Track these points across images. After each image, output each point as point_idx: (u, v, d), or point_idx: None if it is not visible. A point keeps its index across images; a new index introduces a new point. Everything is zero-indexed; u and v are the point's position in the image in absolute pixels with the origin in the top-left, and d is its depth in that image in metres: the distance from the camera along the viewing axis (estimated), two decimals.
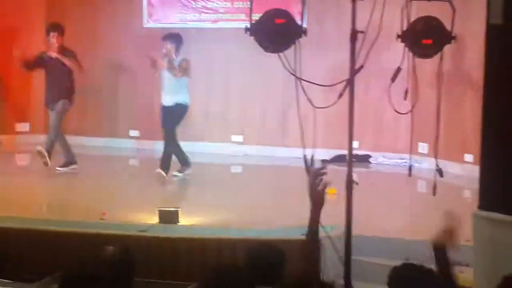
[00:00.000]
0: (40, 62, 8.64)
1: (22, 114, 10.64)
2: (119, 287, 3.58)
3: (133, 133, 10.73)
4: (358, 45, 4.89)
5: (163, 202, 6.97)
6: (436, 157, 5.42)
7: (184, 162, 8.32)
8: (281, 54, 4.89)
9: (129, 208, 6.90)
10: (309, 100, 4.99)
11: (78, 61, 8.60)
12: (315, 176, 3.43)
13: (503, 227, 4.29)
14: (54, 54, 8.47)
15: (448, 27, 5.14)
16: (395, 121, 9.48)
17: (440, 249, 3.49)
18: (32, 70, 8.85)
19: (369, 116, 9.67)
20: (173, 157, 8.37)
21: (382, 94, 9.19)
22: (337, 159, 9.46)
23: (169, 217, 6.22)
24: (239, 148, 10.44)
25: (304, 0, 5.31)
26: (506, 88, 4.30)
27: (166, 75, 8.28)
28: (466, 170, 8.66)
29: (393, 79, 5.11)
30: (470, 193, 7.59)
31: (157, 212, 6.24)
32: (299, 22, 5.09)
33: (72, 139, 9.13)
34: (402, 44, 5.11)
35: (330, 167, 9.22)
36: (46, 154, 8.35)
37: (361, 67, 4.90)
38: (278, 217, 6.69)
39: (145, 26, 10.70)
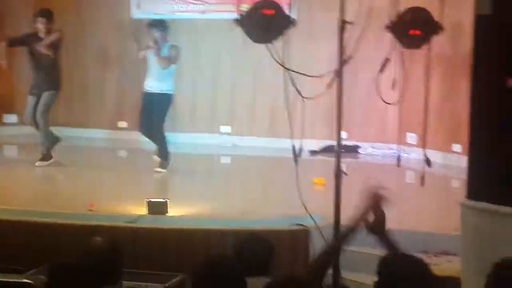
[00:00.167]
0: (25, 40, 8.45)
1: (8, 105, 10.57)
2: (108, 278, 3.57)
3: (121, 124, 10.70)
4: (346, 35, 4.89)
5: (151, 193, 6.95)
6: (424, 147, 5.44)
7: (166, 157, 8.25)
8: (269, 45, 4.89)
9: (118, 199, 6.88)
10: (298, 91, 4.99)
11: (61, 37, 8.43)
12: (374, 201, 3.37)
13: (490, 217, 4.30)
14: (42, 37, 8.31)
15: (437, 18, 5.16)
16: (383, 112, 9.50)
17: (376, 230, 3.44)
18: (14, 46, 8.61)
19: (357, 106, 9.68)
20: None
21: (371, 85, 9.22)
22: (326, 150, 9.49)
23: (157, 208, 6.21)
24: (228, 139, 10.44)
25: None
26: (494, 78, 4.31)
27: (153, 60, 8.21)
28: (454, 160, 8.69)
29: (382, 70, 5.12)
30: (458, 183, 7.61)
31: (145, 203, 6.23)
32: (287, 13, 5.09)
33: (59, 131, 9.09)
34: (390, 35, 5.13)
35: (319, 157, 9.37)
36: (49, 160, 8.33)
37: (350, 57, 4.90)
38: (267, 208, 6.69)
39: (133, 17, 10.65)
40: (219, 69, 10.55)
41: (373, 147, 10.01)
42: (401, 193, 7.90)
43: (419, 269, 3.02)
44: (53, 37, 8.32)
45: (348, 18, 4.89)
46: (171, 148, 8.41)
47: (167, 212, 6.24)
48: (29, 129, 8.71)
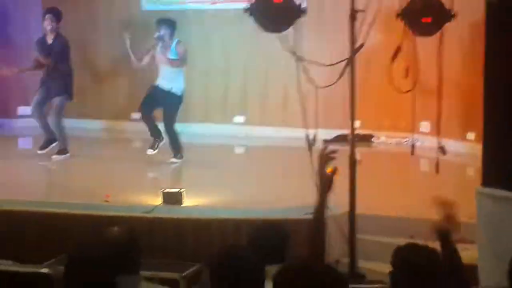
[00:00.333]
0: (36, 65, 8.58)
1: (23, 97, 10.62)
2: (125, 268, 3.59)
3: (135, 116, 10.73)
4: (357, 24, 4.89)
5: (166, 184, 6.99)
6: (438, 135, 5.43)
7: (179, 151, 8.29)
8: (281, 34, 4.90)
9: (133, 190, 6.92)
10: (311, 80, 5.00)
11: (68, 53, 8.50)
12: (324, 159, 3.41)
13: (506, 204, 4.30)
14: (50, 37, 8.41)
15: (448, 5, 5.14)
16: (396, 100, 9.46)
17: (443, 235, 3.48)
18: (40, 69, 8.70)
19: (370, 95, 9.65)
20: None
21: (383, 73, 9.21)
22: (339, 139, 9.47)
23: (173, 198, 6.24)
24: (241, 129, 10.45)
25: None
26: (506, 66, 4.30)
27: (162, 61, 8.25)
28: (468, 148, 8.67)
29: (393, 58, 5.12)
30: (472, 171, 7.60)
31: (161, 194, 6.26)
32: (297, 2, 5.08)
33: (74, 123, 9.14)
34: (402, 23, 5.11)
35: (332, 147, 9.35)
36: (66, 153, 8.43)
37: (362, 45, 4.91)
38: (281, 197, 6.71)
39: (143, 9, 10.66)
40: (230, 59, 10.55)
41: (386, 136, 10.00)
42: (416, 181, 7.94)
43: (433, 259, 3.01)
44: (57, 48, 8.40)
45: (359, 6, 4.89)
46: (185, 139, 8.44)
47: (182, 202, 6.27)
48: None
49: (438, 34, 5.14)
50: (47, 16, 8.44)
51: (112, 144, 9.92)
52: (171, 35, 8.23)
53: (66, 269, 3.31)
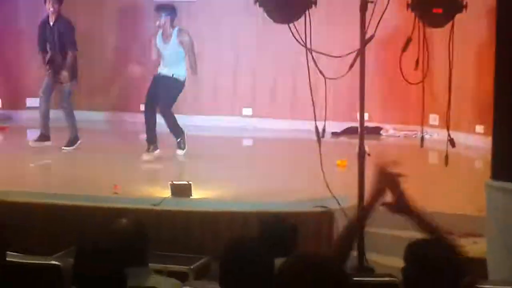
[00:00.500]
0: (42, 35, 8.50)
1: (31, 89, 10.63)
2: (134, 260, 3.59)
3: (142, 107, 10.72)
4: (368, 15, 4.86)
5: (175, 176, 6.98)
6: (448, 127, 5.39)
7: (180, 134, 8.18)
8: (291, 25, 4.87)
9: (141, 182, 6.92)
10: (321, 72, 4.98)
11: (73, 35, 8.42)
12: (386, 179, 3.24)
13: None
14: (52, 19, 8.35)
15: None
16: (405, 93, 9.43)
17: (402, 210, 3.32)
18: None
19: (379, 87, 9.62)
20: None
21: (392, 65, 9.16)
22: (347, 131, 9.45)
23: (181, 191, 6.23)
24: (249, 121, 10.43)
25: None
26: None
27: (161, 47, 8.16)
28: (477, 141, 8.63)
29: (404, 49, 5.09)
30: (482, 164, 7.57)
31: (169, 186, 6.25)
32: None
33: (83, 114, 9.13)
34: (412, 14, 5.07)
35: (341, 139, 9.35)
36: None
37: (372, 37, 4.88)
38: (290, 190, 6.69)
39: None
40: (239, 50, 10.52)
41: (395, 129, 9.97)
42: (425, 174, 7.91)
43: (447, 254, 2.95)
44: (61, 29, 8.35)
45: None
46: (193, 131, 8.41)
47: (190, 195, 6.26)
48: (53, 113, 8.72)
49: (449, 25, 5.09)
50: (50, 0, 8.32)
51: (121, 135, 9.90)
52: (171, 22, 8.10)
53: (76, 260, 3.31)
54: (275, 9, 4.92)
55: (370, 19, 4.84)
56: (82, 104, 9.92)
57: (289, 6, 4.89)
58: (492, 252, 4.53)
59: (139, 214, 5.61)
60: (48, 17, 8.44)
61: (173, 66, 8.09)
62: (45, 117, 8.55)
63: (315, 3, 4.88)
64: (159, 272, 4.08)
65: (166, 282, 3.78)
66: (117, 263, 3.32)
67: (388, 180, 3.16)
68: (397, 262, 3.22)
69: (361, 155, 5.00)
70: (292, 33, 4.86)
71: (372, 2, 4.79)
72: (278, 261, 3.26)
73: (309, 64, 4.94)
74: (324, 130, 5.18)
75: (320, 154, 5.16)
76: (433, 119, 9.28)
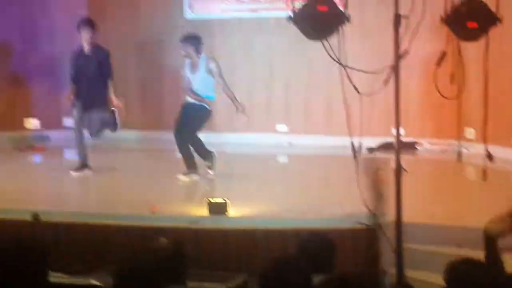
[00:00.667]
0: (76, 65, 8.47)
1: (68, 109, 10.77)
2: (173, 278, 3.62)
3: (174, 135, 10.78)
4: (401, 30, 4.85)
5: (211, 194, 7.01)
6: (485, 142, 5.34)
7: (209, 157, 8.23)
8: (324, 41, 4.88)
9: (178, 201, 6.95)
10: (355, 88, 4.97)
11: (110, 63, 8.39)
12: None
13: None
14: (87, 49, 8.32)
15: (493, 9, 5.07)
16: (440, 107, 9.38)
17: (492, 237, 3.39)
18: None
19: (413, 101, 9.58)
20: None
21: (427, 79, 9.13)
22: (383, 147, 9.42)
23: (218, 209, 6.25)
24: (284, 138, 10.44)
25: None
26: None
27: (191, 80, 8.20)
28: None
29: (438, 64, 5.06)
30: None
31: (206, 204, 6.28)
32: (341, 9, 5.06)
33: (118, 133, 9.19)
34: (446, 28, 5.05)
35: (377, 154, 9.30)
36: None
37: (406, 52, 4.86)
38: (326, 207, 6.67)
39: (186, 17, 10.75)
40: (272, 67, 10.57)
41: (430, 143, 9.91)
42: (462, 189, 7.84)
43: (488, 276, 2.90)
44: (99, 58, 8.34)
45: (402, 12, 4.86)
46: (228, 149, 8.44)
47: (227, 213, 6.28)
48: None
49: (484, 38, 5.06)
50: (84, 28, 8.32)
51: (156, 154, 9.97)
52: (197, 51, 8.14)
53: (115, 279, 3.35)
54: (309, 26, 4.93)
55: (404, 34, 4.82)
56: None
57: (322, 23, 4.90)
58: None
59: (176, 232, 5.64)
60: (82, 46, 8.37)
61: (201, 93, 8.14)
62: (83, 146, 8.44)
63: (348, 19, 4.89)
64: None
65: None
66: (156, 281, 3.35)
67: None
68: (437, 279, 3.20)
69: (398, 171, 4.97)
70: (326, 49, 4.86)
71: (405, 17, 4.77)
72: (317, 278, 3.26)
73: (343, 80, 4.93)
74: (360, 146, 5.17)
75: (357, 170, 5.14)
76: (469, 132, 9.21)
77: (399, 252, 4.94)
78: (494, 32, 5.14)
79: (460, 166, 7.79)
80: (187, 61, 8.20)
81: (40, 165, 9.65)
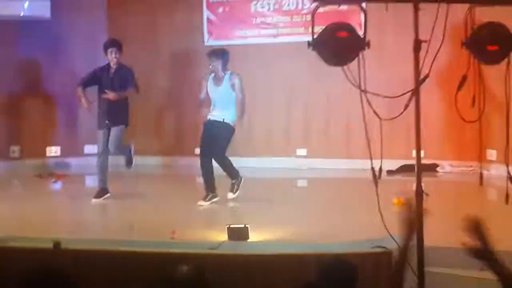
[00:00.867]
0: (94, 78, 8.55)
1: (90, 136, 10.85)
2: None
3: (198, 150, 10.82)
4: (422, 54, 4.85)
5: (231, 219, 7.00)
6: (507, 164, 5.30)
7: (237, 175, 8.25)
8: (344, 67, 4.88)
9: (198, 226, 6.95)
10: (376, 113, 4.96)
11: (135, 80, 8.50)
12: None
13: None
14: (112, 68, 8.42)
15: None
16: (461, 128, 9.35)
17: (484, 255, 3.35)
18: (87, 87, 8.65)
19: (433, 123, 9.57)
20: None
21: (447, 102, 9.11)
22: (403, 169, 9.39)
23: (238, 234, 6.24)
24: (304, 162, 10.44)
25: (366, 12, 5.28)
26: None
27: (213, 94, 8.24)
28: None
29: (459, 88, 5.05)
30: None
31: (226, 229, 6.27)
32: (360, 34, 5.06)
33: (139, 159, 9.24)
34: (467, 51, 5.04)
35: (397, 177, 9.28)
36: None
37: (426, 76, 4.85)
38: (347, 230, 6.65)
39: (205, 44, 10.81)
40: (292, 92, 10.60)
41: (451, 165, 9.86)
42: (485, 212, 7.76)
43: None
44: (125, 94, 8.44)
45: (422, 36, 4.86)
46: (248, 173, 8.44)
47: (248, 238, 6.26)
48: (112, 159, 8.73)
49: (505, 61, 5.04)
50: (111, 49, 8.45)
51: (175, 180, 10.00)
52: (224, 66, 8.19)
53: None
54: (329, 52, 4.93)
55: (425, 59, 4.82)
56: (137, 150, 10.06)
57: (342, 49, 4.90)
58: None
59: (197, 258, 5.62)
60: (108, 65, 8.49)
61: (223, 110, 8.14)
62: (104, 171, 8.52)
63: (369, 45, 4.89)
64: None
65: None
66: None
67: (475, 226, 3.22)
68: None
69: (419, 194, 4.94)
70: (346, 76, 4.86)
71: (425, 41, 4.77)
72: None
73: (363, 105, 4.93)
74: (380, 170, 5.15)
75: (377, 194, 5.12)
76: (490, 154, 9.16)
77: (421, 276, 4.90)
78: None
79: (482, 189, 7.72)
80: (211, 75, 8.22)
81: (61, 192, 9.69)
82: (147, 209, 8.07)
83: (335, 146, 10.40)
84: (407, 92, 4.90)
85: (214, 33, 10.85)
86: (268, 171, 9.98)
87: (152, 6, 11.08)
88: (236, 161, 8.48)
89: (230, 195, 8.19)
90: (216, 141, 8.11)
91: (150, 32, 11.03)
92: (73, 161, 11.00)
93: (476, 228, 3.22)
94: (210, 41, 10.81)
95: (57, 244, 6.03)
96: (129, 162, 8.62)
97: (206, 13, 10.87)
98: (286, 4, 10.58)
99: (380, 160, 5.18)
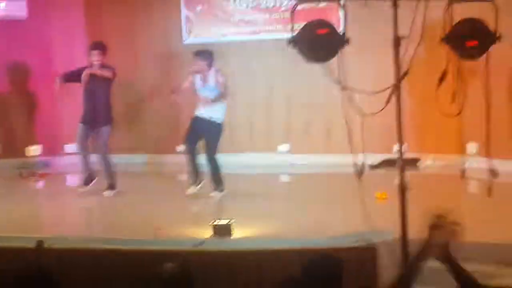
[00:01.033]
0: (78, 75, 8.56)
1: (69, 134, 10.81)
2: None
3: (180, 148, 10.82)
4: (401, 50, 4.89)
5: (214, 216, 7.01)
6: (489, 157, 5.36)
7: (220, 183, 8.33)
8: (324, 64, 4.91)
9: (182, 224, 6.95)
10: (358, 109, 5.00)
11: (114, 76, 8.55)
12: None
13: None
14: (95, 70, 8.43)
15: (492, 27, 5.10)
16: (441, 123, 9.41)
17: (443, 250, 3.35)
18: (68, 82, 8.68)
19: (414, 118, 9.62)
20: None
21: (427, 96, 9.16)
22: (384, 164, 9.43)
23: (222, 231, 6.26)
24: (286, 158, 10.46)
25: (345, 8, 5.32)
26: None
27: (201, 92, 8.34)
28: None
29: (440, 83, 5.10)
30: None
31: (210, 226, 6.28)
32: (340, 31, 5.09)
33: (117, 157, 9.23)
34: (446, 47, 5.08)
35: (378, 171, 9.31)
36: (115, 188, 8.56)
37: (406, 73, 4.90)
38: (330, 225, 6.68)
39: (184, 42, 10.80)
40: (273, 88, 10.61)
41: (432, 159, 9.92)
42: (467, 205, 7.83)
43: None
44: (106, 73, 8.47)
45: (401, 31, 4.90)
46: (230, 170, 8.46)
47: (232, 234, 6.28)
48: (92, 158, 8.79)
49: (484, 56, 5.09)
50: (95, 51, 8.51)
51: (158, 177, 9.99)
52: (209, 66, 8.31)
53: None
54: (309, 49, 4.95)
55: (404, 54, 4.86)
56: (117, 147, 10.05)
57: (322, 45, 4.93)
58: None
59: (181, 255, 5.61)
60: (91, 67, 8.53)
61: (211, 108, 8.24)
62: (87, 163, 8.66)
63: (348, 42, 4.92)
64: None
65: None
66: None
67: (439, 226, 3.21)
68: None
69: (402, 188, 4.99)
70: (327, 72, 4.89)
71: (405, 38, 4.81)
72: None
73: (344, 102, 4.96)
74: (363, 165, 5.19)
75: (360, 188, 5.16)
76: (471, 147, 9.23)
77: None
78: (495, 50, 5.18)
79: (464, 182, 7.79)
80: (198, 75, 8.32)
81: (42, 191, 9.65)
82: (129, 206, 8.06)
83: (317, 142, 10.43)
84: (388, 88, 4.94)
85: (192, 31, 10.83)
86: (250, 167, 10.00)
87: (130, 5, 11.02)
88: (218, 158, 8.48)
89: (215, 194, 8.22)
90: (208, 143, 8.27)
91: (128, 31, 10.98)
92: (53, 160, 10.94)
93: (438, 227, 3.20)
94: (189, 39, 10.78)
95: (40, 243, 6.01)
96: (111, 186, 8.62)
97: (184, 11, 10.84)
98: (265, 2, 10.58)
99: (362, 155, 5.22)
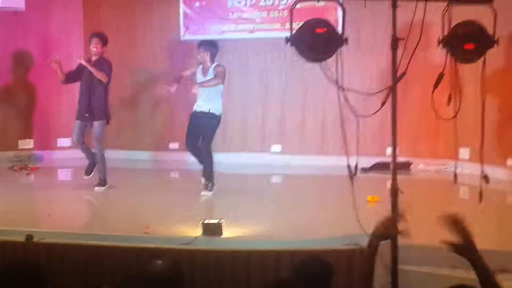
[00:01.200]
0: (75, 73, 8.53)
1: (63, 130, 10.76)
2: None
3: (173, 145, 10.79)
4: (399, 52, 4.85)
5: (205, 214, 6.98)
6: (481, 163, 5.34)
7: (211, 178, 8.29)
8: (322, 63, 4.87)
9: (173, 221, 6.92)
10: (353, 110, 4.96)
11: (110, 71, 8.45)
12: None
13: None
14: (90, 66, 8.36)
15: (490, 31, 5.08)
16: (435, 127, 9.41)
17: (465, 251, 3.35)
18: (69, 83, 8.66)
19: (408, 122, 9.61)
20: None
21: (421, 100, 9.15)
22: (376, 167, 9.41)
23: (212, 230, 6.22)
24: (279, 158, 10.44)
25: (344, 8, 5.28)
26: None
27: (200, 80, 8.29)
28: (509, 175, 8.55)
29: (436, 86, 5.05)
30: None
31: (200, 225, 6.24)
32: (338, 31, 5.06)
33: (111, 153, 9.19)
34: (443, 50, 5.05)
35: (370, 174, 9.29)
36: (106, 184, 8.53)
37: (404, 74, 4.86)
38: (321, 227, 6.65)
39: (182, 38, 10.77)
40: (268, 88, 10.59)
41: (425, 163, 9.91)
42: (458, 210, 7.81)
43: None
44: (100, 75, 8.38)
45: (399, 33, 4.86)
46: (223, 169, 8.42)
47: (222, 234, 6.24)
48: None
49: (480, 60, 5.06)
50: (94, 39, 8.48)
51: (150, 174, 9.95)
52: (211, 58, 8.26)
53: None
54: (307, 49, 4.92)
55: (401, 56, 4.83)
56: (113, 144, 10.01)
57: (320, 45, 4.89)
58: None
59: (170, 253, 5.60)
60: (89, 57, 8.50)
61: (209, 101, 8.20)
62: (89, 152, 8.62)
63: (346, 41, 4.89)
64: None
65: None
66: None
67: (455, 222, 3.22)
68: None
69: (394, 192, 4.95)
70: (323, 72, 4.85)
71: (403, 39, 4.77)
72: None
73: (340, 102, 4.92)
74: (356, 167, 5.15)
75: (352, 190, 5.12)
76: (464, 152, 9.21)
77: (394, 273, 4.91)
78: (492, 53, 5.15)
79: (455, 187, 7.78)
80: (200, 66, 8.29)
81: (33, 185, 9.60)
82: (121, 202, 8.02)
83: (310, 143, 10.41)
84: (384, 89, 4.90)
85: (190, 27, 10.79)
86: (243, 167, 9.96)
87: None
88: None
89: (205, 193, 8.19)
90: (204, 134, 8.20)
91: (126, 25, 10.95)
92: (46, 154, 10.89)
93: (456, 223, 3.22)
94: (186, 36, 10.75)
95: (29, 237, 5.97)
96: (102, 182, 8.57)
97: (182, 7, 10.81)
98: (263, 0, 10.55)
99: (355, 157, 5.18)
